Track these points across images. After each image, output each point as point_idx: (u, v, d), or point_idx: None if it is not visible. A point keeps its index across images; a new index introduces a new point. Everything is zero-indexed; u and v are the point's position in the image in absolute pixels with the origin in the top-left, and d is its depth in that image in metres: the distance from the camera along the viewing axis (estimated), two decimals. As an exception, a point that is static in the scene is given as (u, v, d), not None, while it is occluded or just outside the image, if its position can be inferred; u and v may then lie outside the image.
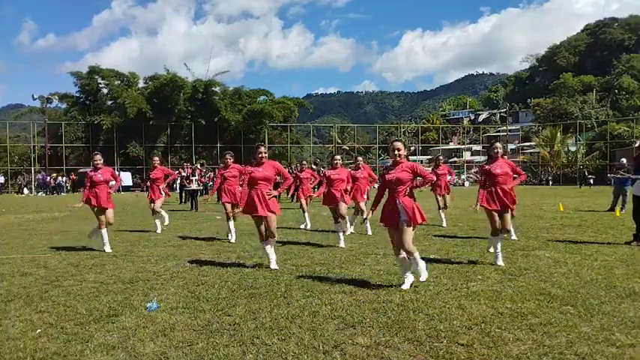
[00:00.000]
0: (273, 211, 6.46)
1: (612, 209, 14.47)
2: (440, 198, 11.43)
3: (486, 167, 6.82)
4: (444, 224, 11.14)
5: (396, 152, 5.27)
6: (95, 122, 42.08)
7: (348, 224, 9.72)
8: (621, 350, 3.46)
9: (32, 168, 42.49)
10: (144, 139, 42.53)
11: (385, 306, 4.62)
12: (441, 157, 12.97)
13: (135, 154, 42.45)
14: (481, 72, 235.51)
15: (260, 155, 6.56)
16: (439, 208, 11.46)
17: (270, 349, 3.58)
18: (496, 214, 6.57)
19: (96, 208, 8.18)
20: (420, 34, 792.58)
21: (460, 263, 6.74)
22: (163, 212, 11.00)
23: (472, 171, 52.97)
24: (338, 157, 9.35)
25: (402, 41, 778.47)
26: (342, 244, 8.29)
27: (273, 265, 6.49)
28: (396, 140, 5.40)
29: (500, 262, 6.48)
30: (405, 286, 5.20)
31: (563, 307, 4.51)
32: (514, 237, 8.79)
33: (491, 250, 6.86)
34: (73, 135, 44.33)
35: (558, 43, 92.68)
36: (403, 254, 5.24)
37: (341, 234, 8.49)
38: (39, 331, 4.05)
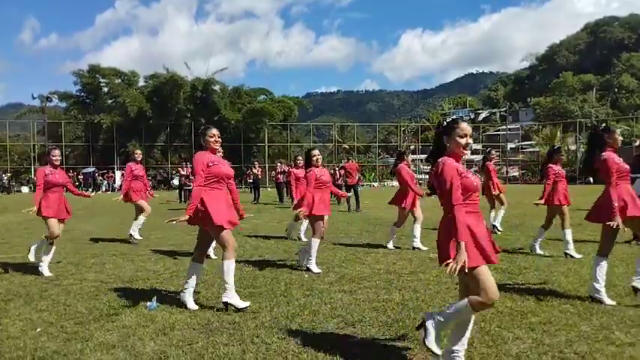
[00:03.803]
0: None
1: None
2: (498, 196, 9.87)
3: (617, 160, 4.81)
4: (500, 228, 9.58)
5: (466, 140, 3.14)
6: (95, 121, 42.06)
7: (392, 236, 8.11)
8: (621, 349, 3.47)
9: (32, 167, 42.46)
10: (144, 138, 42.50)
11: (385, 305, 4.63)
12: (493, 151, 10.71)
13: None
14: (481, 71, 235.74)
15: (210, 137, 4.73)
16: (491, 208, 9.89)
17: (270, 347, 3.59)
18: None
19: (51, 219, 6.36)
20: (419, 34, 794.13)
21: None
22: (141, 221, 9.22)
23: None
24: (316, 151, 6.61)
25: (403, 40, 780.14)
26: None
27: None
28: (461, 120, 3.33)
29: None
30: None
31: (563, 305, 4.52)
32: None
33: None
34: (72, 134, 44.34)
35: (558, 42, 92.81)
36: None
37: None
38: (39, 329, 4.05)
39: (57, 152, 6.64)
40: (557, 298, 4.75)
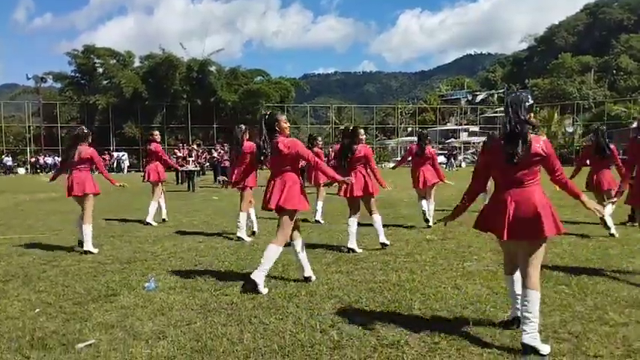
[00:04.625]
0: None
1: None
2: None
3: None
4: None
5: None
6: (90, 102, 41.71)
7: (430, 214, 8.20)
8: (614, 329, 3.51)
9: (27, 148, 42.24)
10: (139, 119, 42.20)
11: (382, 286, 4.66)
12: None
13: (131, 134, 42.24)
14: (479, 52, 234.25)
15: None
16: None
17: (267, 327, 3.62)
18: None
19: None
20: (418, 14, 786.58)
21: (456, 244, 6.78)
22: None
23: (469, 152, 52.92)
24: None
25: (401, 21, 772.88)
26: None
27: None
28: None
29: None
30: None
31: (558, 286, 4.56)
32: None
33: None
34: (68, 115, 43.97)
35: (557, 23, 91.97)
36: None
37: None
38: (37, 310, 4.07)
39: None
40: (552, 279, 4.79)
